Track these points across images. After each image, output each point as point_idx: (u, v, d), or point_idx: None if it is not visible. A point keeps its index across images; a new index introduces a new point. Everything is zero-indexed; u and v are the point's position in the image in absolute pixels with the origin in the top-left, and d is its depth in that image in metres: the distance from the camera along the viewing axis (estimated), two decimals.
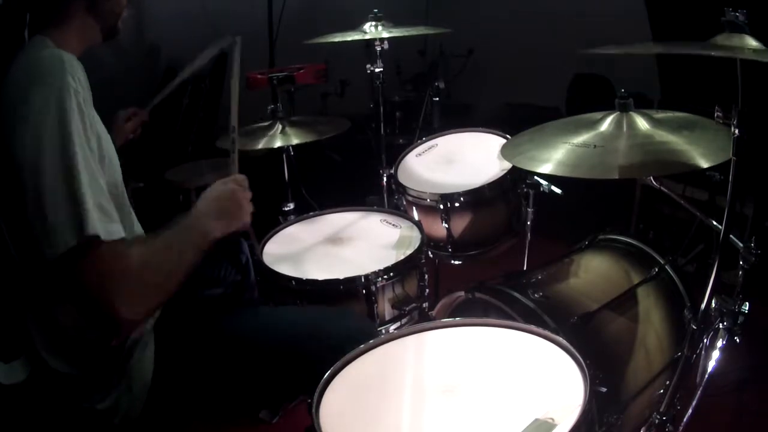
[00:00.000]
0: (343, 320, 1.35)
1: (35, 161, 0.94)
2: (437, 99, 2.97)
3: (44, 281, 1.06)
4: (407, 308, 1.55)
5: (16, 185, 0.96)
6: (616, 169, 1.16)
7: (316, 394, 0.99)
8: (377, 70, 2.07)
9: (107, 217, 0.98)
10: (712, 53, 0.95)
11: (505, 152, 1.39)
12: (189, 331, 1.23)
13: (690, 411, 1.27)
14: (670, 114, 1.33)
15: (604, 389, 1.10)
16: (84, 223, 0.93)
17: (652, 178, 1.50)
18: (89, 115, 1.01)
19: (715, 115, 1.09)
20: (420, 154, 2.07)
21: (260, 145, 1.91)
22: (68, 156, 0.95)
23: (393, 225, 1.76)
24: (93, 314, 0.99)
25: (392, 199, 2.05)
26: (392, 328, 1.55)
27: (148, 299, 1.01)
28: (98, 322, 1.00)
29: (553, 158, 1.22)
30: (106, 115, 1.17)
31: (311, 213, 1.89)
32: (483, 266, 1.90)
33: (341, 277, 1.48)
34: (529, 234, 1.88)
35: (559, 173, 1.19)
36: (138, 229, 1.26)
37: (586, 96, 3.26)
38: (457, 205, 1.79)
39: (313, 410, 0.96)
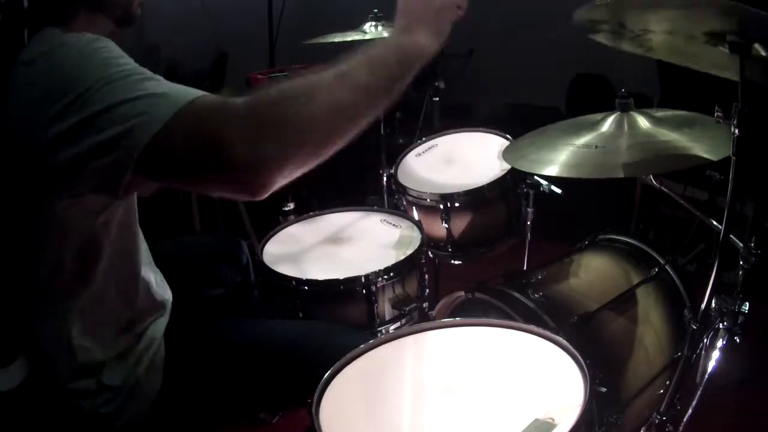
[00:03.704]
0: (345, 333, 1.35)
1: (107, 82, 0.85)
2: (437, 99, 2.97)
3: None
4: (407, 308, 1.55)
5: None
6: (619, 168, 1.16)
7: (316, 394, 0.99)
8: None
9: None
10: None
11: (507, 156, 1.40)
12: (198, 339, 1.23)
13: (690, 411, 1.27)
14: (670, 112, 1.34)
15: (604, 389, 1.10)
16: (173, 97, 0.83)
17: (652, 177, 1.51)
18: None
19: (715, 114, 1.09)
20: (420, 154, 2.07)
21: None
22: (123, 63, 0.89)
23: (393, 225, 1.76)
24: (215, 170, 0.82)
25: (392, 199, 2.05)
26: (392, 328, 1.55)
27: (285, 131, 0.82)
28: (227, 178, 0.83)
29: (555, 160, 1.22)
30: None
31: (311, 213, 1.89)
32: (483, 266, 1.90)
33: (341, 277, 1.48)
34: (529, 234, 1.87)
35: (562, 175, 1.19)
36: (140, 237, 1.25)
37: (586, 96, 3.26)
38: (457, 205, 1.79)
39: (313, 410, 0.96)
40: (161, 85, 0.86)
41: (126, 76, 0.87)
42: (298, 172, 0.88)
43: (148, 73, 0.89)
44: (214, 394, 1.21)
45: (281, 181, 0.86)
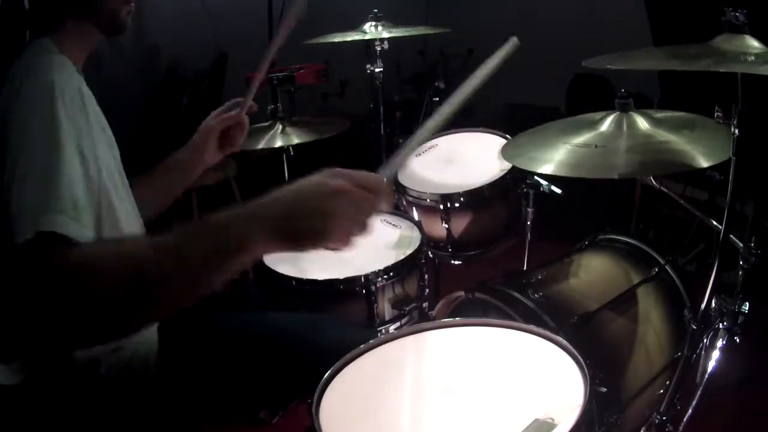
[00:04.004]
0: (344, 326, 1.35)
1: (18, 146, 0.89)
2: (437, 99, 2.97)
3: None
4: (407, 308, 1.55)
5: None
6: (617, 168, 1.16)
7: (316, 394, 0.99)
8: (377, 70, 2.07)
9: (75, 218, 0.86)
10: (711, 69, 0.95)
11: (505, 152, 1.40)
12: (192, 332, 1.23)
13: (690, 411, 1.27)
14: (669, 114, 1.34)
15: (604, 389, 1.10)
16: (46, 217, 0.83)
17: (652, 178, 1.51)
18: (81, 115, 0.99)
19: (715, 115, 1.09)
20: (420, 154, 2.07)
21: (260, 145, 1.91)
22: (50, 147, 0.90)
23: (393, 225, 1.76)
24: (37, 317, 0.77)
25: (392, 199, 2.05)
26: (392, 328, 1.55)
27: (102, 313, 0.75)
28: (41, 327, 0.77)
29: (553, 158, 1.22)
30: (104, 115, 1.17)
31: None
32: (483, 266, 1.90)
33: (341, 277, 1.48)
34: (529, 234, 1.87)
35: (560, 173, 1.19)
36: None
37: (586, 96, 3.26)
38: (457, 205, 1.79)
39: (313, 410, 0.96)
40: (49, 195, 0.86)
41: (42, 175, 0.88)
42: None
43: (61, 156, 0.90)
44: (209, 388, 1.21)
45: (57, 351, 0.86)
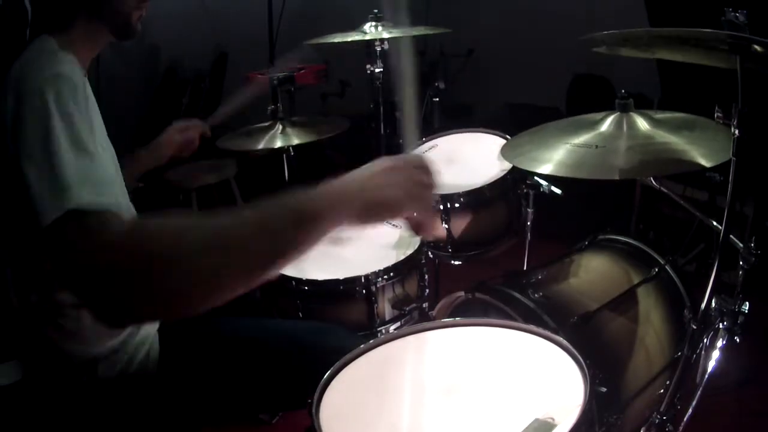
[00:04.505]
0: (346, 333, 1.35)
1: (18, 134, 0.90)
2: (437, 99, 2.97)
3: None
4: (407, 308, 1.55)
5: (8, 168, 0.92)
6: (617, 169, 1.16)
7: (316, 394, 0.99)
8: (377, 70, 2.07)
9: (97, 190, 0.87)
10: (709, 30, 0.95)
11: (505, 152, 1.40)
12: (193, 334, 1.23)
13: (690, 411, 1.27)
14: (669, 114, 1.34)
15: (604, 389, 1.10)
16: (66, 194, 0.84)
17: (652, 178, 1.51)
18: (83, 109, 0.97)
19: (715, 115, 1.09)
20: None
21: (260, 146, 1.91)
22: (50, 129, 0.90)
23: (393, 225, 1.76)
24: (86, 299, 0.79)
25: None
26: (392, 328, 1.55)
27: (162, 288, 0.74)
28: (94, 308, 0.79)
29: (553, 159, 1.22)
30: (105, 114, 1.17)
31: None
32: (483, 266, 1.90)
33: (341, 277, 1.48)
34: (529, 234, 1.87)
35: (560, 174, 1.19)
36: None
37: (586, 96, 3.26)
38: (457, 205, 1.79)
39: (313, 410, 0.96)
40: (68, 173, 0.87)
41: (48, 155, 0.88)
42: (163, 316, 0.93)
43: (68, 142, 0.90)
44: (209, 390, 1.21)
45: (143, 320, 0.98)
